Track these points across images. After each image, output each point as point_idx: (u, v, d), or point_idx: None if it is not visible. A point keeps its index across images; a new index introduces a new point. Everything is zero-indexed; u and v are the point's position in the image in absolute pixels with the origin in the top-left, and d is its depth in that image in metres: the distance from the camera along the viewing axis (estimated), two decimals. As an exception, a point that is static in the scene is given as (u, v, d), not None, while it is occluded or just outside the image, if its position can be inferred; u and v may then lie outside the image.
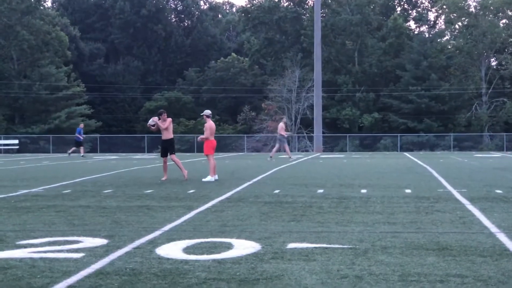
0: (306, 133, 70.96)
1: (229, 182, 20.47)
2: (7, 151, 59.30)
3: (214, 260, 8.12)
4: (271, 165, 30.46)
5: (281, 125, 37.31)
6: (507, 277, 7.20)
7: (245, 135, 68.19)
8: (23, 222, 11.79)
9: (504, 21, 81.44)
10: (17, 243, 9.60)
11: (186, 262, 8.08)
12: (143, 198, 16.02)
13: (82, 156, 44.12)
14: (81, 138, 45.24)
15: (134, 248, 9.07)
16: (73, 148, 45.85)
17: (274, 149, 38.15)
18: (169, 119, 22.23)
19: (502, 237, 9.83)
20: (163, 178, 21.63)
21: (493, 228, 10.66)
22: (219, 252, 8.63)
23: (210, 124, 22.09)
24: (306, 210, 13.24)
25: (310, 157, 39.30)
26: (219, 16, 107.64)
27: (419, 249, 8.86)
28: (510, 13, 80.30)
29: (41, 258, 8.37)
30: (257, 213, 12.89)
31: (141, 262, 8.06)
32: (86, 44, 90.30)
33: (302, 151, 62.12)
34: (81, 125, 47.35)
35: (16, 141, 62.64)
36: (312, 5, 78.69)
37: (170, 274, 7.41)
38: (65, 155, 47.92)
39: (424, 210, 13.11)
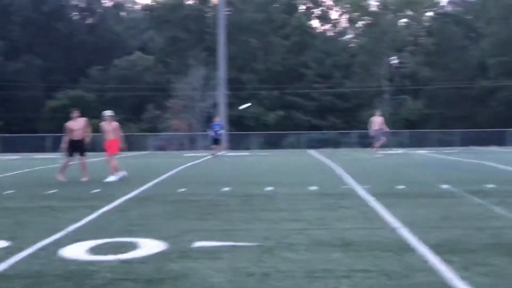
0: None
1: (134, 181, 20.25)
2: None
3: (120, 260, 8.04)
4: (176, 164, 30.32)
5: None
6: (410, 271, 7.36)
7: (149, 133, 67.71)
8: None
9: (403, 20, 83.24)
10: None
11: (91, 263, 7.97)
12: (46, 198, 15.72)
13: None
14: None
15: (37, 250, 8.89)
16: None
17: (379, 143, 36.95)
18: (83, 119, 21.75)
19: (404, 232, 10.03)
20: (60, 179, 21.03)
21: (396, 223, 10.87)
22: (125, 252, 8.55)
23: (112, 125, 21.78)
24: (212, 209, 13.23)
25: (215, 154, 39.27)
26: (123, 13, 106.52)
27: (324, 246, 8.96)
28: (409, 12, 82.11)
29: None
30: (163, 212, 12.82)
31: (45, 264, 7.91)
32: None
33: (207, 150, 62.08)
34: None
35: None
36: (216, 3, 78.71)
37: (75, 275, 7.30)
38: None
39: (329, 207, 13.26)
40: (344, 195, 15.52)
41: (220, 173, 24.14)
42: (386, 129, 36.45)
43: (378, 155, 35.21)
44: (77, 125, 21.49)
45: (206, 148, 61.72)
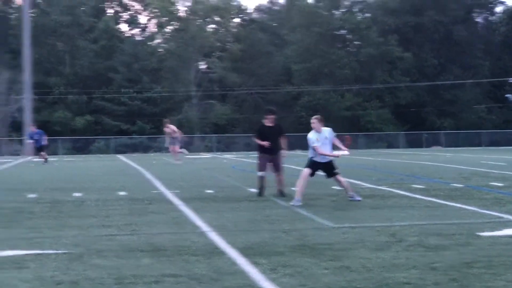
0: (17, 137, 68.69)
1: None
2: None
3: None
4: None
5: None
6: (219, 274, 7.45)
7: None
8: None
9: (211, 26, 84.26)
10: None
11: None
12: None
13: None
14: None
15: None
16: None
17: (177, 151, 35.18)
18: None
19: (213, 235, 10.16)
20: None
21: (205, 227, 10.99)
22: None
23: None
24: (17, 216, 12.83)
25: (20, 161, 38.14)
26: None
27: (134, 251, 8.91)
28: (217, 18, 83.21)
29: None
30: (-35, 221, 12.29)
31: None
32: None
33: (12, 155, 60.12)
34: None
35: None
36: (20, 4, 76.38)
37: None
38: None
39: (138, 212, 13.21)
40: (154, 200, 15.52)
41: (25, 180, 23.45)
42: (180, 135, 35.85)
43: (179, 161, 34.32)
44: None
45: (12, 153, 59.75)
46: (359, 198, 14.85)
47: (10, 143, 68.18)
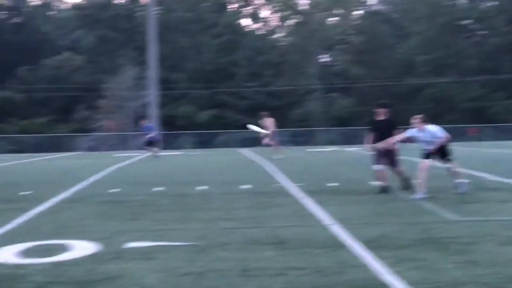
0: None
1: (64, 182, 19.94)
2: None
3: (51, 263, 7.91)
4: (107, 164, 30.01)
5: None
6: (342, 266, 7.41)
7: (79, 134, 66.90)
8: None
9: (333, 18, 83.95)
10: None
11: (21, 266, 7.83)
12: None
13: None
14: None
15: (-34, 254, 8.69)
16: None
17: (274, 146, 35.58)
18: None
19: (337, 228, 10.11)
20: None
21: (329, 220, 10.95)
22: (56, 255, 8.42)
23: None
24: (144, 209, 13.14)
25: (147, 155, 38.93)
26: (52, 12, 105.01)
27: (258, 244, 8.97)
28: (338, 11, 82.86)
29: None
30: (95, 213, 12.68)
31: (-26, 269, 7.74)
32: None
33: (139, 150, 61.61)
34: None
35: None
36: (146, 2, 78.18)
37: (4, 279, 7.15)
38: None
39: (262, 205, 13.28)
40: (278, 193, 15.57)
41: (152, 173, 23.99)
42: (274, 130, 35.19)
43: (279, 156, 33.72)
44: None
45: (139, 148, 61.26)
46: (465, 189, 14.47)
47: (136, 137, 69.93)
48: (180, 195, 15.62)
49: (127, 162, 33.01)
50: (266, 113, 35.63)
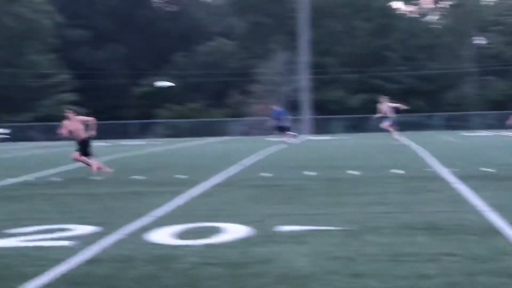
0: (293, 116, 70.78)
1: (218, 166, 20.37)
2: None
3: (205, 245, 8.10)
4: (259, 149, 30.41)
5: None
6: (497, 254, 7.22)
7: (232, 119, 68.06)
8: (13, 211, 11.74)
9: (488, 0, 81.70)
10: (8, 232, 9.54)
11: (177, 247, 8.06)
12: (132, 184, 15.97)
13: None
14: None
15: (125, 235, 9.04)
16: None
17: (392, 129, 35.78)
18: (82, 118, 19.21)
19: (492, 215, 9.84)
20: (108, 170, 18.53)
21: (484, 207, 10.67)
22: (210, 237, 8.61)
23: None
24: (296, 193, 13.24)
25: (299, 140, 39.26)
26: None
27: (410, 229, 8.87)
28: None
29: (32, 247, 8.34)
30: (247, 196, 12.88)
31: (132, 249, 8.03)
32: (72, 31, 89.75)
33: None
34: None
35: (8, 130, 62.11)
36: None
37: (161, 259, 7.39)
38: (53, 143, 47.24)
39: (414, 190, 13.13)
40: (429, 178, 15.34)
41: (303, 157, 24.14)
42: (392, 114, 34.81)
43: (396, 141, 33.33)
44: (73, 125, 18.56)
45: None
46: None
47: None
48: (332, 179, 15.65)
49: (278, 146, 33.31)
50: (386, 97, 35.45)
